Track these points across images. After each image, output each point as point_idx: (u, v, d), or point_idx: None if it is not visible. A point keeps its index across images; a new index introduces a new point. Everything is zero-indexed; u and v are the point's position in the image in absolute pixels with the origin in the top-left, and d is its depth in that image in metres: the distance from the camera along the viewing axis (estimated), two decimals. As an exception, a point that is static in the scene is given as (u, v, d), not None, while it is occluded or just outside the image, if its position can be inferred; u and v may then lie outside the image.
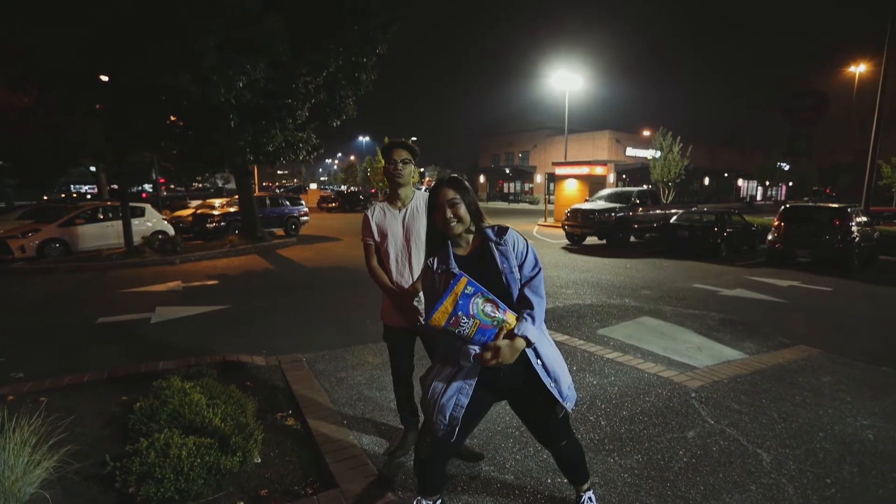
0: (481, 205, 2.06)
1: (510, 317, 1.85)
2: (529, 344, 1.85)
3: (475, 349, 1.85)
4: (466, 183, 2.04)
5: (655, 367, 4.17)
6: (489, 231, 2.00)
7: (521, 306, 1.91)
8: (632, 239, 14.50)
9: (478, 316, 1.80)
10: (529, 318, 1.86)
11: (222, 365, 4.02)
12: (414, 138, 49.92)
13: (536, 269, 1.96)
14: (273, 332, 5.33)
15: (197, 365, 3.83)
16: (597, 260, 10.95)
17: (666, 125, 26.39)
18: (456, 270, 1.93)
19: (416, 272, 2.63)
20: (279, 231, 16.09)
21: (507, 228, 1.99)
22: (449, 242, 2.01)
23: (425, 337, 2.70)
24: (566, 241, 14.37)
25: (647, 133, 39.34)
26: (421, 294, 2.60)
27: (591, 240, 14.51)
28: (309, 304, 6.69)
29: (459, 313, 1.79)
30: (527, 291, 1.91)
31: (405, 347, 2.75)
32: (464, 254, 2.01)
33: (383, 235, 2.64)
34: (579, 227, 13.50)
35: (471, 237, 2.02)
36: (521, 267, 1.94)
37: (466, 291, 1.81)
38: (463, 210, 1.96)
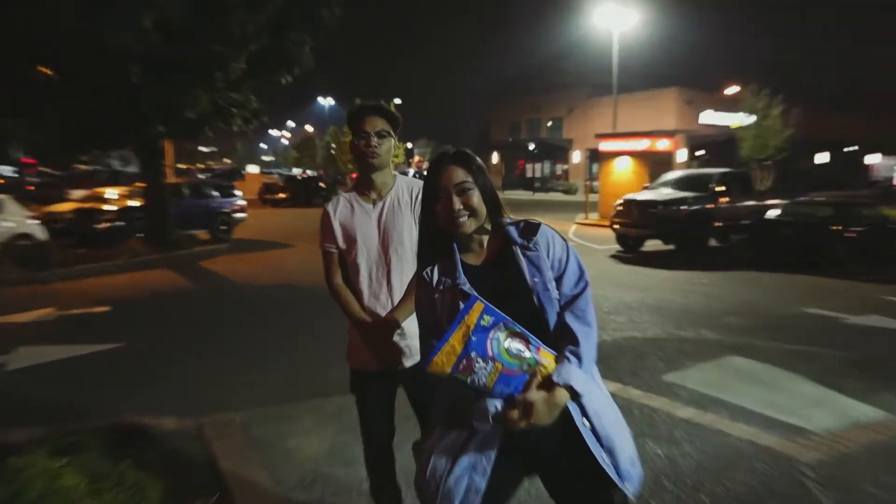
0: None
1: (546, 356, 1.82)
2: (574, 396, 1.81)
3: (496, 405, 1.81)
4: (479, 160, 2.01)
5: (749, 429, 4.15)
6: (512, 230, 1.98)
7: (562, 340, 1.88)
8: (711, 242, 14.52)
9: (499, 357, 1.78)
10: (574, 359, 1.83)
11: (114, 431, 3.96)
12: (397, 100, 50.48)
13: (582, 285, 1.94)
14: (191, 382, 5.30)
15: (75, 432, 3.77)
16: (660, 273, 10.93)
17: (760, 79, 26.43)
18: (466, 288, 1.90)
19: (398, 293, 2.61)
20: (203, 234, 16.11)
21: (539, 225, 1.97)
22: (454, 245, 1.99)
23: (412, 386, 2.67)
24: (616, 247, 14.36)
25: (732, 90, 39.56)
26: (404, 326, 2.56)
27: (652, 244, 14.47)
28: (245, 339, 6.67)
29: (473, 354, 1.77)
30: (569, 318, 1.89)
31: (381, 401, 2.73)
32: (476, 262, 1.99)
33: (351, 240, 2.63)
34: (635, 227, 13.52)
35: (485, 238, 2.01)
36: (559, 280, 1.92)
37: (482, 322, 1.78)
38: (477, 199, 1.93)
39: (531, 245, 1.94)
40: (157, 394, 5.02)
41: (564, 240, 1.99)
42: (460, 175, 1.94)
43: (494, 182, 2.02)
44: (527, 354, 1.80)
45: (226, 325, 7.33)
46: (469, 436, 1.90)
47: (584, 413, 1.88)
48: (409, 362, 2.59)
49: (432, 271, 1.99)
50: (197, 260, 12.97)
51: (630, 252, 13.99)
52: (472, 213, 1.94)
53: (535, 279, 1.91)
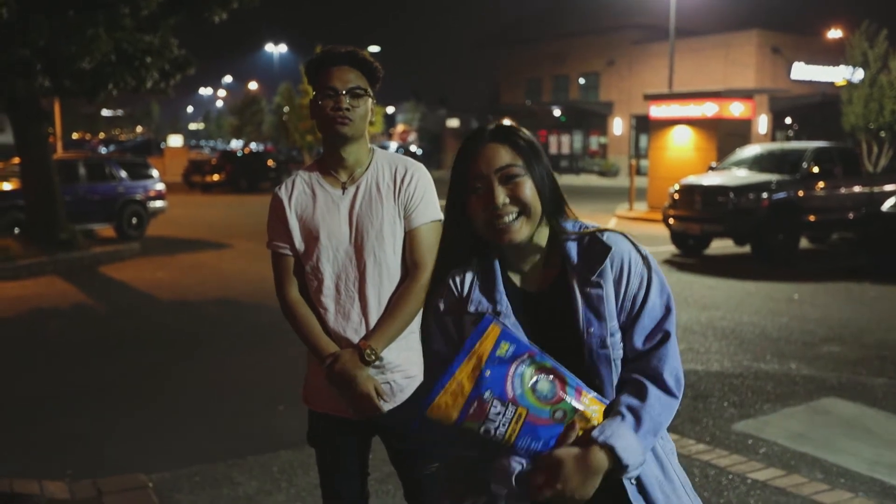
0: None
1: (590, 403, 1.82)
2: (620, 469, 1.80)
3: (520, 463, 1.84)
4: (532, 136, 1.98)
5: (856, 500, 4.15)
6: (572, 248, 1.94)
7: (622, 393, 1.86)
8: (803, 244, 14.55)
9: (523, 400, 1.78)
10: (630, 417, 1.80)
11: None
12: (373, 48, 50.23)
13: (659, 336, 1.90)
14: (88, 433, 5.29)
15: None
16: (732, 286, 10.95)
17: (875, 18, 26.37)
18: (510, 321, 1.89)
19: (374, 311, 2.61)
20: (105, 230, 16.14)
21: (609, 248, 1.91)
22: (496, 262, 1.98)
23: (393, 436, 2.69)
24: (671, 249, 14.41)
25: (833, 34, 39.64)
26: (385, 356, 2.58)
27: (721, 245, 14.51)
28: (162, 374, 6.67)
29: (486, 395, 1.77)
30: (636, 373, 1.87)
31: (350, 457, 2.74)
32: (532, 288, 1.98)
33: (311, 238, 2.64)
34: (697, 222, 13.56)
35: (538, 256, 1.98)
36: (629, 327, 1.89)
37: (499, 353, 1.80)
38: (530, 190, 1.90)
39: (594, 277, 1.89)
40: (38, 449, 5.00)
41: (647, 261, 1.93)
42: (504, 157, 1.91)
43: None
44: (562, 397, 1.81)
45: (135, 356, 7.30)
46: None
47: (647, 499, 1.84)
48: (389, 405, 2.60)
49: (462, 280, 1.99)
50: (97, 265, 12.91)
51: (690, 256, 13.99)
52: (524, 209, 1.89)
53: (592, 329, 1.86)
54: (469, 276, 1.97)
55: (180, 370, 6.80)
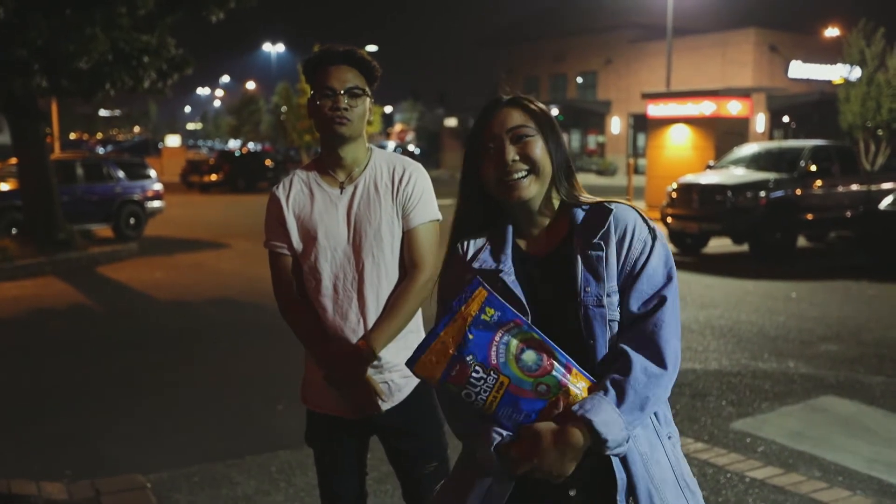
0: None
1: (579, 381, 1.81)
2: (600, 445, 1.79)
3: (501, 434, 1.85)
4: (548, 110, 2.02)
5: (851, 496, 4.16)
6: (579, 213, 1.97)
7: (611, 370, 1.86)
8: (801, 242, 14.56)
9: (506, 369, 1.79)
10: (613, 391, 1.78)
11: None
12: (371, 48, 50.28)
13: (655, 302, 1.89)
14: (87, 433, 5.29)
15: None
16: (730, 284, 10.95)
17: (873, 16, 26.38)
18: (509, 281, 1.90)
19: (373, 311, 2.62)
20: (103, 230, 16.14)
21: (610, 210, 1.94)
22: (509, 227, 2.01)
23: (391, 435, 2.69)
24: (671, 247, 14.39)
25: (831, 33, 39.66)
26: (382, 356, 2.58)
27: (719, 244, 14.54)
28: (160, 373, 6.67)
29: (469, 359, 1.77)
30: (626, 342, 1.85)
31: (348, 457, 2.74)
32: (536, 252, 2.01)
33: (309, 237, 2.64)
34: (695, 220, 13.59)
35: (547, 221, 2.02)
36: (626, 290, 1.89)
37: (483, 317, 1.80)
38: (540, 150, 1.94)
39: (596, 239, 1.92)
40: (36, 449, 5.00)
41: (653, 231, 1.95)
42: (516, 118, 1.95)
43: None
44: (548, 373, 1.80)
45: (133, 356, 7.30)
46: (477, 485, 1.89)
47: (629, 481, 1.86)
48: (387, 405, 2.60)
49: (468, 244, 2.02)
50: (94, 265, 12.91)
51: (688, 254, 14.02)
52: (533, 167, 1.93)
53: (589, 288, 1.87)
54: (478, 242, 2.01)
55: (178, 370, 6.81)
